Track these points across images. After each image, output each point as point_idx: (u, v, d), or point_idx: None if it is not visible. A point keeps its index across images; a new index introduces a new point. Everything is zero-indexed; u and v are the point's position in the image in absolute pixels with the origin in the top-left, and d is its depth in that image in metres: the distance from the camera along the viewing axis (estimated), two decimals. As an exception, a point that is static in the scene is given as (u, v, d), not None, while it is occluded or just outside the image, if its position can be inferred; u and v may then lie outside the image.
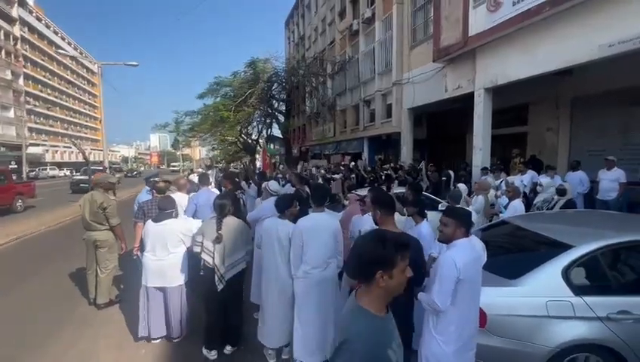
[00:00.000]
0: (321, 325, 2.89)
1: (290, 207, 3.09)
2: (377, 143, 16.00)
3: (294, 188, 6.12)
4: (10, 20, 44.56)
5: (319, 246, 2.91)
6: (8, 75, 43.55)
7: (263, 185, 4.59)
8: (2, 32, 42.86)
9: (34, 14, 51.28)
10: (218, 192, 4.88)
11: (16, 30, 45.75)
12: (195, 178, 7.77)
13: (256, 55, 18.61)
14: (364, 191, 5.81)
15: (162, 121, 21.81)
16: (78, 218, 4.31)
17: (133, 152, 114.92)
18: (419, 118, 13.64)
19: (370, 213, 3.75)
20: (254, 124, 23.18)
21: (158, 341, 3.38)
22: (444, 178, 9.16)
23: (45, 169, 40.04)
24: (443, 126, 13.74)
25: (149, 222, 3.23)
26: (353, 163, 13.87)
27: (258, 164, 25.52)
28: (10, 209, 11.84)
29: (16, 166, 32.01)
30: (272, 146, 25.70)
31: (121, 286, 4.74)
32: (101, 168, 17.36)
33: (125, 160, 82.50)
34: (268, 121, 21.32)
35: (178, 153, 66.36)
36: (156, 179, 5.28)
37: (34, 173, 35.56)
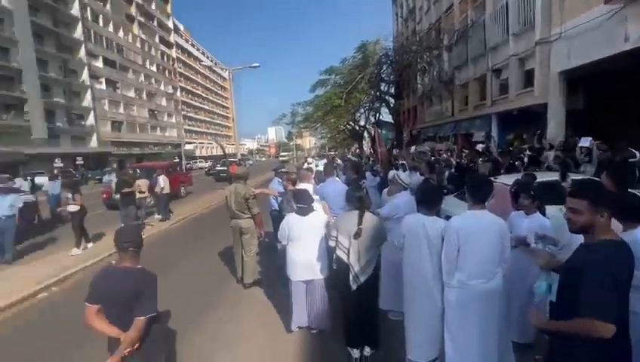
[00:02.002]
0: (483, 352, 2.36)
1: (440, 203, 2.62)
2: (508, 120, 13.42)
3: (422, 178, 5.54)
4: (169, 45, 56.67)
5: (480, 253, 2.36)
6: (170, 90, 55.88)
7: (391, 175, 4.20)
8: (165, 55, 55.01)
9: (183, 37, 63.80)
10: (344, 183, 4.77)
11: (173, 52, 57.93)
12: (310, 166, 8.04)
13: (365, 38, 18.10)
14: (506, 179, 4.78)
15: (281, 114, 23.90)
16: (224, 202, 4.88)
17: (255, 145, 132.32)
18: (572, 84, 10.65)
19: (530, 210, 2.96)
20: (362, 110, 22.94)
21: (302, 330, 3.49)
22: (619, 159, 6.80)
23: (196, 162, 49.99)
24: (609, 92, 10.31)
25: (293, 215, 3.27)
26: (481, 145, 11.98)
27: (365, 150, 25.34)
28: (177, 195, 15.06)
29: (178, 160, 41.00)
30: (381, 131, 25.02)
31: (259, 269, 5.20)
32: (235, 160, 20.31)
33: (250, 152, 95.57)
34: (377, 105, 20.71)
35: (291, 143, 72.56)
36: (284, 170, 5.55)
37: (189, 165, 44.79)
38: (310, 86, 21.04)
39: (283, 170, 5.38)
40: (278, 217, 4.79)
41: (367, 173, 7.49)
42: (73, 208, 6.99)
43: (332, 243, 2.97)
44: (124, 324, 1.97)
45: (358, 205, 2.83)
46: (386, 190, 4.44)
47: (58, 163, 27.10)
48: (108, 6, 40.71)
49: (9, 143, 25.32)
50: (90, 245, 7.32)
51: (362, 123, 24.38)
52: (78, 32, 35.47)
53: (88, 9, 37.32)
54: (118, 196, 8.81)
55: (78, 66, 35.58)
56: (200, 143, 67.37)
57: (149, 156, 42.25)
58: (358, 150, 27.31)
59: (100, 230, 8.28)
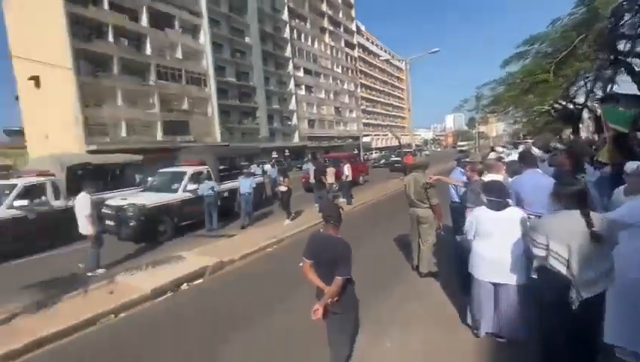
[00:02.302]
0: None
1: None
2: None
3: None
4: (352, 46, 62.40)
5: None
6: (352, 87, 61.79)
7: (632, 168, 3.03)
8: (349, 57, 61.15)
9: (364, 37, 68.55)
10: (547, 176, 3.85)
11: (355, 52, 63.45)
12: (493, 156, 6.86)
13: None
14: None
15: (463, 99, 21.63)
16: (398, 191, 5.01)
17: (430, 134, 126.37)
18: None
19: None
20: (581, 82, 17.27)
21: (483, 335, 3.18)
22: None
23: (372, 153, 53.34)
24: None
25: (483, 209, 2.99)
26: None
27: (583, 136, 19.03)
28: (356, 182, 16.69)
29: (357, 152, 45.12)
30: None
31: (434, 261, 5.03)
32: (410, 150, 20.24)
33: (425, 142, 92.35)
34: (609, 72, 15.06)
35: (473, 131, 64.47)
36: (468, 159, 5.05)
37: (366, 156, 48.39)
38: (501, 62, 17.79)
39: (467, 159, 4.92)
40: (458, 209, 4.48)
41: (587, 166, 5.68)
42: (283, 188, 9.12)
43: (539, 252, 2.42)
44: (327, 279, 2.46)
45: (576, 203, 2.23)
46: (621, 188, 3.26)
47: (274, 154, 35.77)
48: (308, 24, 49.36)
49: (247, 141, 35.68)
50: (287, 222, 8.97)
51: (581, 100, 18.44)
52: (288, 51, 45.06)
53: (295, 30, 46.57)
54: (313, 181, 10.75)
55: (287, 78, 45.33)
56: (376, 135, 71.14)
57: (334, 148, 48.79)
58: (571, 134, 20.97)
59: (300, 208, 10.39)
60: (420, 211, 4.59)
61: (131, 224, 7.34)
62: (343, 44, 59.17)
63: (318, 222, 7.88)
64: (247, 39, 38.38)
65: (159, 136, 28.98)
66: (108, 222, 7.80)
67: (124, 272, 5.70)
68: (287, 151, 40.60)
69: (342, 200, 11.65)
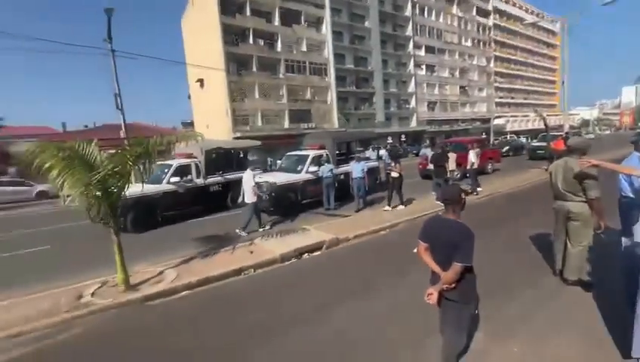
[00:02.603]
0: None
1: None
2: None
3: None
4: (487, 14, 53.75)
5: None
6: (483, 62, 53.69)
7: None
8: (481, 27, 53.07)
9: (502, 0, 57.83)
10: None
11: (490, 21, 54.45)
12: None
13: None
14: None
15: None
16: (536, 183, 4.17)
17: (595, 113, 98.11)
18: None
19: None
20: None
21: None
22: None
23: (506, 137, 45.68)
24: None
25: None
26: None
27: None
28: (483, 170, 14.73)
29: (485, 136, 39.50)
30: None
31: (588, 269, 4.05)
32: (560, 134, 16.41)
33: (585, 123, 72.59)
34: None
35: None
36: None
37: (497, 141, 41.87)
38: None
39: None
40: (630, 206, 3.45)
41: None
42: (394, 174, 8.86)
43: None
44: (444, 265, 2.35)
45: None
46: None
47: (389, 140, 35.09)
48: (432, -3, 45.18)
49: (364, 126, 36.09)
50: (401, 207, 8.83)
51: None
52: (409, 30, 42.55)
53: (417, 6, 43.40)
54: (432, 167, 10.09)
55: (407, 59, 43.03)
56: (512, 117, 60.38)
57: (457, 132, 44.07)
58: None
59: (415, 195, 9.96)
60: (571, 205, 3.73)
61: (265, 198, 8.66)
62: (474, 12, 51.70)
63: (433, 210, 7.47)
64: (366, 23, 38.21)
65: (286, 124, 32.56)
66: (248, 195, 9.44)
67: (260, 238, 6.84)
68: (403, 136, 39.15)
69: (465, 187, 10.58)
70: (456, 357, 2.52)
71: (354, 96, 38.25)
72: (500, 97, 58.79)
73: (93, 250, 6.36)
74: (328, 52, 34.83)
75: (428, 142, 42.70)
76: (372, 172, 11.20)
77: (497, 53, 56.68)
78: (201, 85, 32.88)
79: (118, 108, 16.68)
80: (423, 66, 45.16)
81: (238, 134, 29.30)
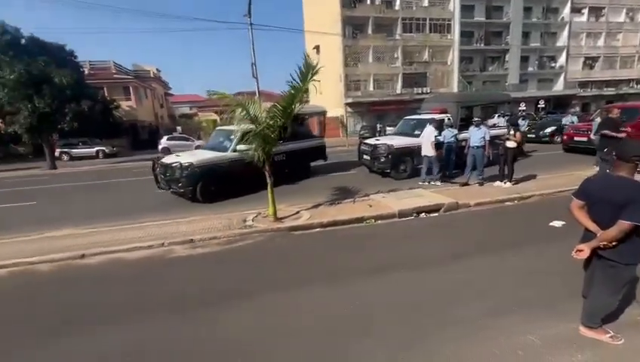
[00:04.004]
0: None
1: None
2: None
3: None
4: None
5: None
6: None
7: None
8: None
9: None
10: None
11: None
12: None
13: None
14: None
15: None
16: None
17: None
18: None
19: None
20: None
21: None
22: None
23: None
24: None
25: None
26: None
27: None
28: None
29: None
30: None
31: None
32: None
33: None
34: None
35: None
36: None
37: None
38: None
39: None
40: None
41: None
42: (510, 144, 7.60)
43: None
44: (603, 224, 2.25)
45: None
46: None
47: (522, 106, 29.71)
48: None
49: (490, 90, 31.48)
50: (508, 184, 7.60)
51: None
52: (568, -37, 33.30)
53: None
54: (595, 137, 8.37)
55: (561, 3, 34.19)
56: None
57: (625, 97, 33.76)
58: None
59: (561, 170, 8.54)
60: None
61: (382, 160, 8.98)
62: None
63: (574, 186, 6.27)
64: (507, -37, 31.71)
65: (398, 88, 31.25)
66: (365, 156, 9.93)
67: (377, 194, 7.32)
68: (541, 102, 32.43)
69: None
70: (602, 315, 2.44)
71: (480, 55, 33.34)
72: None
73: (242, 191, 8.06)
74: (454, 4, 30.77)
75: (577, 109, 34.32)
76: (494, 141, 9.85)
77: None
78: (317, 52, 34.22)
79: (253, 77, 19.25)
80: (585, 10, 35.15)
81: (350, 100, 29.88)
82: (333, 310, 3.12)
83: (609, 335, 2.44)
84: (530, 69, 34.85)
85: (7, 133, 20.69)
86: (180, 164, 7.43)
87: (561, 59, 35.33)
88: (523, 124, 12.61)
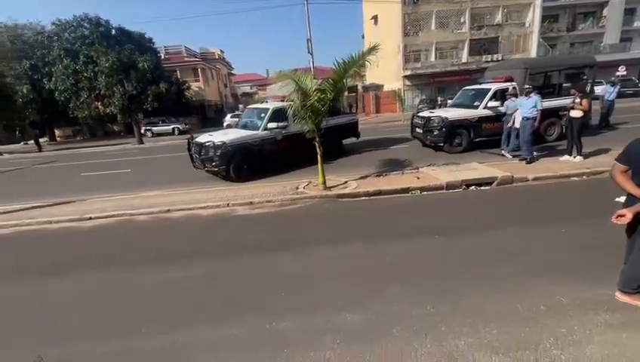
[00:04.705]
0: None
1: None
2: None
3: None
4: None
5: None
6: None
7: None
8: None
9: None
10: None
11: None
12: None
13: None
14: None
15: None
16: None
17: None
18: None
19: None
20: None
21: None
22: None
23: None
24: None
25: None
26: None
27: None
28: None
29: None
30: None
31: None
32: None
33: None
34: None
35: None
36: None
37: None
38: None
39: None
40: None
41: None
42: (576, 113, 6.74)
43: None
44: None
45: None
46: None
47: (621, 70, 25.05)
48: None
49: (579, 52, 27.03)
50: (578, 158, 6.89)
51: None
52: None
53: None
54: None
55: None
56: None
57: None
58: None
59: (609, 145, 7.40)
60: None
61: (435, 133, 8.74)
62: None
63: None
64: None
65: (464, 57, 28.63)
66: (417, 130, 9.73)
67: (426, 167, 7.29)
68: (648, 64, 26.91)
69: None
70: (638, 283, 2.40)
71: (569, 11, 28.57)
72: None
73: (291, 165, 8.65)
74: (538, -47, 26.47)
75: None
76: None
77: None
78: (375, 22, 32.76)
79: (309, 53, 19.51)
80: None
81: (408, 72, 28.40)
82: (369, 262, 3.50)
83: (646, 301, 2.40)
84: (636, 24, 28.84)
85: (106, 113, 24.49)
86: (213, 143, 7.45)
87: (683, 9, 28.44)
88: (611, 92, 10.84)
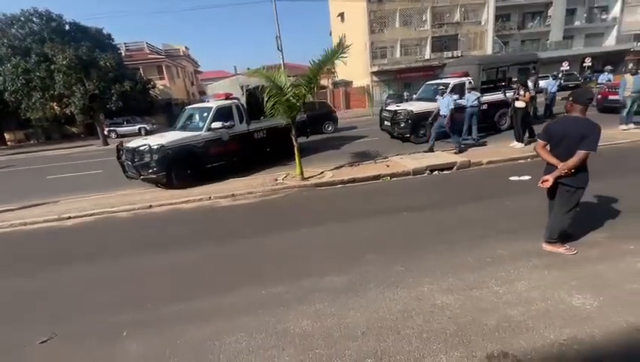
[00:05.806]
0: None
1: None
2: None
3: None
4: None
5: None
6: None
7: None
8: None
9: None
10: None
11: None
12: None
13: None
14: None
15: None
16: None
17: None
18: None
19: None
20: None
21: None
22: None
23: None
24: None
25: None
26: None
27: None
28: None
29: None
30: None
31: None
32: None
33: None
34: None
35: None
36: None
37: None
38: None
39: None
40: None
41: None
42: (519, 104, 7.77)
43: None
44: (563, 157, 2.81)
45: None
46: None
47: (565, 65, 27.58)
48: None
49: (530, 50, 29.35)
50: (519, 145, 7.84)
51: None
52: None
53: None
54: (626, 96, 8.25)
55: (617, -57, 30.20)
56: None
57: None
58: None
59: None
60: None
61: (402, 125, 9.42)
62: None
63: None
64: None
65: (427, 54, 30.06)
66: (385, 123, 10.37)
67: (395, 156, 7.91)
68: (587, 60, 29.76)
69: None
70: (559, 230, 3.05)
71: (519, 11, 30.90)
72: None
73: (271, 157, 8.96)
74: (490, -44, 28.33)
75: (631, 65, 31.08)
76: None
77: None
78: (342, 19, 33.41)
79: (278, 50, 19.66)
80: (647, -51, 30.84)
81: (376, 68, 29.37)
82: (348, 237, 3.96)
83: (564, 248, 3.06)
84: (576, 23, 31.76)
85: (63, 114, 23.11)
86: (149, 146, 6.68)
87: (615, 10, 31.72)
88: (553, 85, 12.13)
